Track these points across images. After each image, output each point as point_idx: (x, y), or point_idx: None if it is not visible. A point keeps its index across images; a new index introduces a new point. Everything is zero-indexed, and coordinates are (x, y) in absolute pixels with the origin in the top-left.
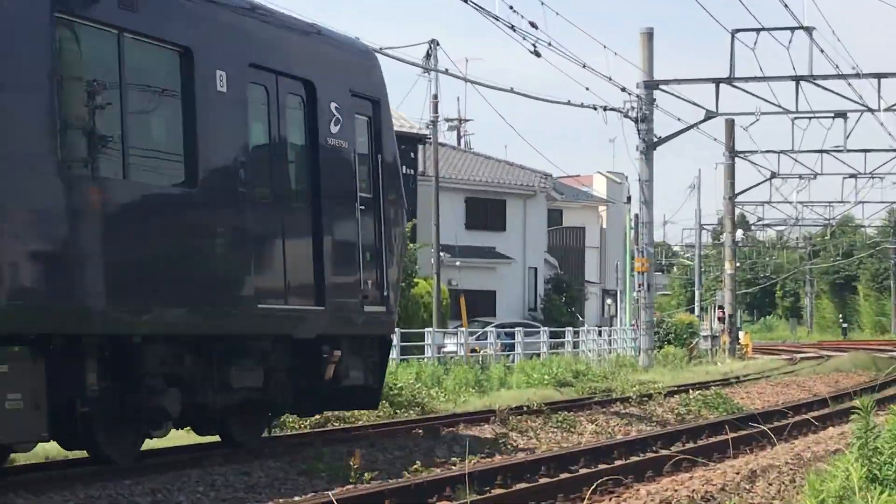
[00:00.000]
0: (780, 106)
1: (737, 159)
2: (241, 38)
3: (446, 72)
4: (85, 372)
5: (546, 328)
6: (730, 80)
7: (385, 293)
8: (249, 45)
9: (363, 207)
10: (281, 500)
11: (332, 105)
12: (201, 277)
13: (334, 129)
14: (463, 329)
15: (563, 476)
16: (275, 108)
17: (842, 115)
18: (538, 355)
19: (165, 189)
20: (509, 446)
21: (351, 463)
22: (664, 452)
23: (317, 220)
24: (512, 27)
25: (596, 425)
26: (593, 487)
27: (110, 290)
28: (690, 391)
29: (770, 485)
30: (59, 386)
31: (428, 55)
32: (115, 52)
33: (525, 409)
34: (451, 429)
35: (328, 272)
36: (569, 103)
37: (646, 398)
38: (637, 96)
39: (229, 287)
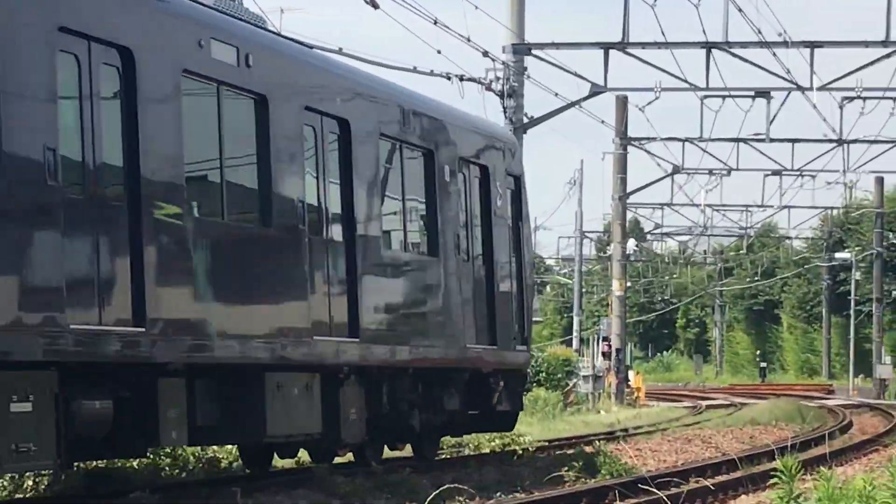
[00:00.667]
0: (686, 81)
1: (630, 148)
2: (455, 139)
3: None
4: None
5: None
6: (623, 46)
7: (525, 335)
8: (460, 145)
9: (513, 264)
10: None
11: (497, 183)
12: (442, 324)
13: (499, 202)
14: None
15: None
16: (476, 191)
17: (764, 93)
18: None
19: (421, 258)
20: None
21: None
22: None
23: (490, 276)
24: None
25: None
26: None
27: (416, 335)
28: (566, 448)
29: None
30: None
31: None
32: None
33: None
34: None
35: (498, 318)
36: (415, 70)
37: (508, 456)
38: (503, 63)
39: (457, 331)
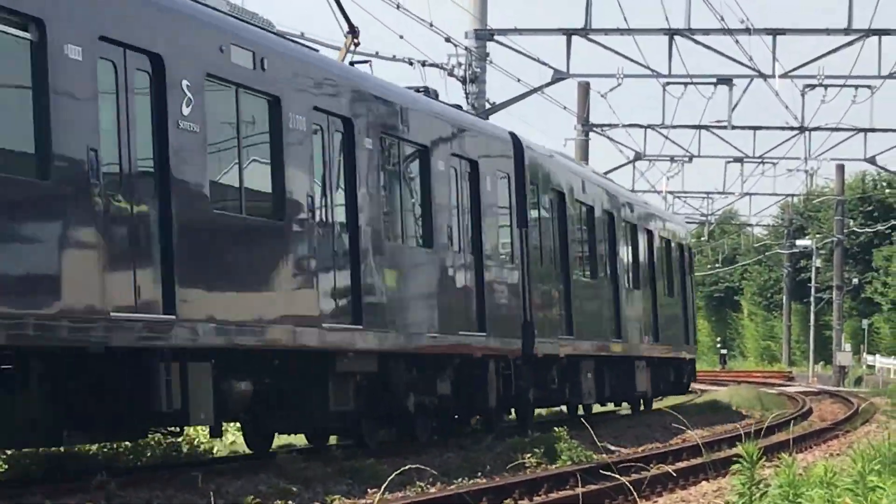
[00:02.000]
0: (648, 67)
1: (592, 134)
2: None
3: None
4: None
5: None
6: (585, 32)
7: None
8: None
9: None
10: None
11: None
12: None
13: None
14: None
15: None
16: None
17: (726, 80)
18: None
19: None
20: None
21: None
22: None
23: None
24: None
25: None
26: None
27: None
28: (531, 431)
29: None
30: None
31: None
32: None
33: None
34: None
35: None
36: (377, 55)
37: (473, 443)
38: (466, 49)
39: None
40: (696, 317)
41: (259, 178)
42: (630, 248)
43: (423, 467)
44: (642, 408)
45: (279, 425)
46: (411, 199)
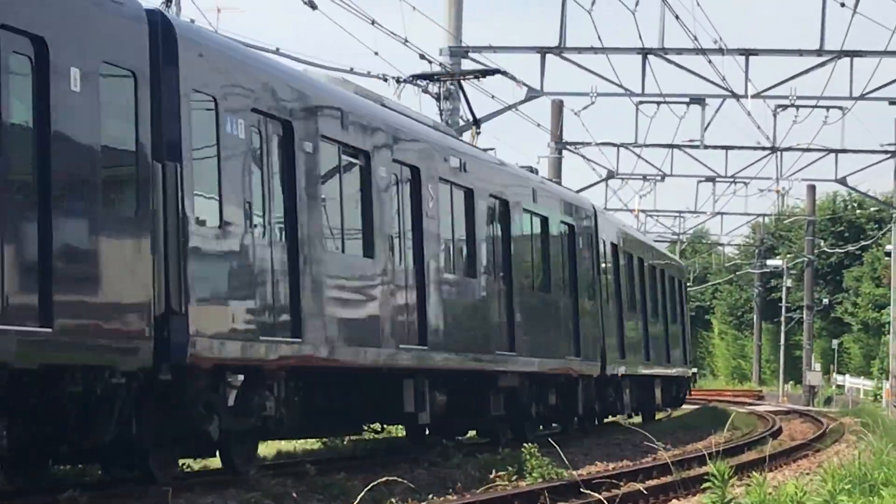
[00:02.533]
0: (621, 86)
1: (565, 153)
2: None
3: (192, 22)
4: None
5: None
6: (559, 51)
7: (686, 356)
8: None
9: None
10: None
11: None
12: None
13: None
14: None
15: None
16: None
17: (699, 100)
18: None
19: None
20: None
21: None
22: None
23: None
24: None
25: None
26: None
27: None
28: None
29: None
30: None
31: (168, 2)
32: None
33: None
34: None
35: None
36: (351, 71)
37: (439, 459)
38: (440, 66)
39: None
40: (691, 339)
41: None
42: (650, 285)
43: (398, 479)
44: (657, 417)
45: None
46: (547, 254)
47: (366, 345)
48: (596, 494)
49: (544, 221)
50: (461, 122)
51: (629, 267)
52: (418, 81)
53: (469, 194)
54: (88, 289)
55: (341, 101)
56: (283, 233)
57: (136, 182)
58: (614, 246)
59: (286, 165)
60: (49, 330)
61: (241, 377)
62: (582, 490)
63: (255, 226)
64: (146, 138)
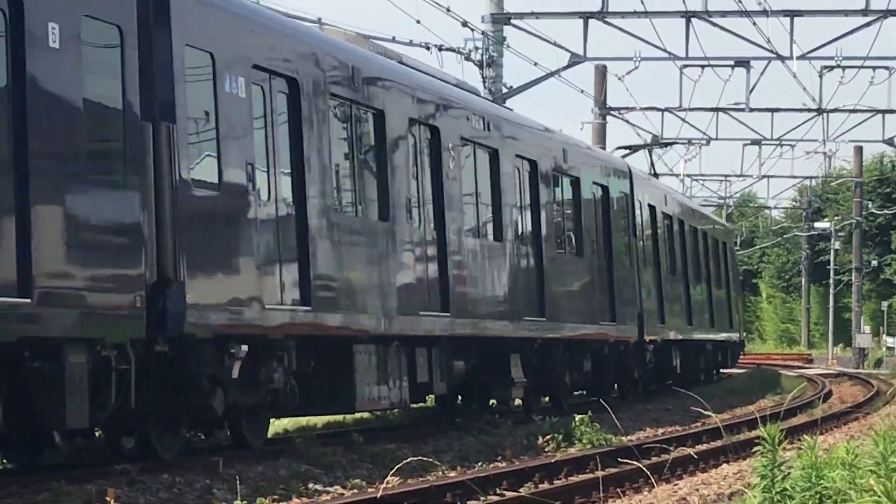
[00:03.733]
0: (665, 50)
1: (609, 118)
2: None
3: None
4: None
5: None
6: (602, 15)
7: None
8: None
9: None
10: None
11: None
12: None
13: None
14: None
15: None
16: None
17: (744, 63)
18: None
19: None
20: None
21: None
22: (510, 495)
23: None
24: None
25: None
26: None
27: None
28: (546, 417)
29: None
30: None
31: None
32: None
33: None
34: None
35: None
36: (393, 40)
37: (488, 427)
38: (483, 34)
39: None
40: (739, 303)
41: None
42: (692, 247)
43: (428, 458)
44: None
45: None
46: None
47: (380, 312)
48: (643, 461)
49: (575, 183)
50: (504, 90)
51: (668, 229)
52: (460, 49)
53: (494, 155)
54: (71, 257)
55: (353, 58)
56: (292, 195)
57: (123, 143)
58: (652, 208)
59: (292, 125)
60: (28, 301)
61: (244, 348)
62: (629, 458)
63: (259, 188)
64: (134, 97)
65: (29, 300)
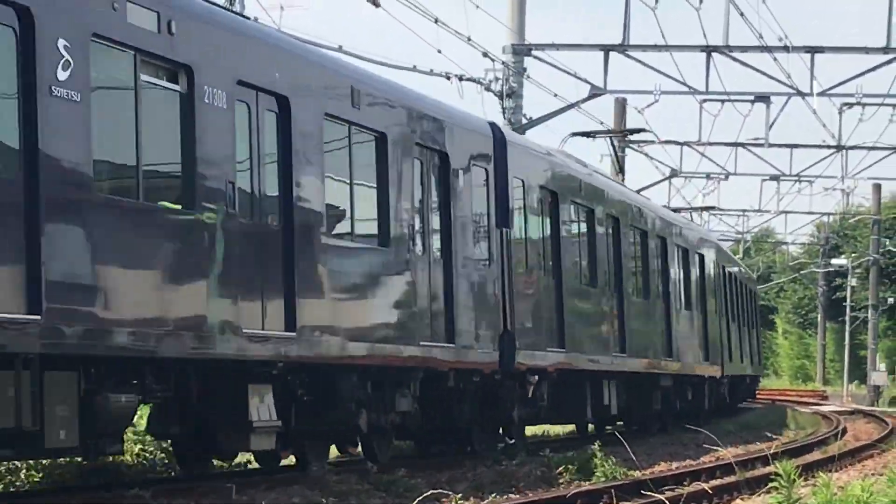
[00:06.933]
0: (685, 84)
1: (628, 151)
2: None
3: (256, 20)
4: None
5: None
6: (623, 48)
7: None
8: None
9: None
10: None
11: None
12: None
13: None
14: None
15: None
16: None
17: (764, 98)
18: None
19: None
20: None
21: None
22: None
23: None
24: None
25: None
26: None
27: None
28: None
29: None
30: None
31: (231, 1)
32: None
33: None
34: None
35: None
36: (414, 69)
37: (502, 456)
38: (503, 64)
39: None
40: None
41: None
42: (737, 293)
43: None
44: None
45: None
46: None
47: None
48: (658, 494)
49: (685, 253)
50: (524, 120)
51: (721, 279)
52: (480, 80)
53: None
54: None
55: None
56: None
57: None
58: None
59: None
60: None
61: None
62: (643, 492)
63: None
64: None
65: None
